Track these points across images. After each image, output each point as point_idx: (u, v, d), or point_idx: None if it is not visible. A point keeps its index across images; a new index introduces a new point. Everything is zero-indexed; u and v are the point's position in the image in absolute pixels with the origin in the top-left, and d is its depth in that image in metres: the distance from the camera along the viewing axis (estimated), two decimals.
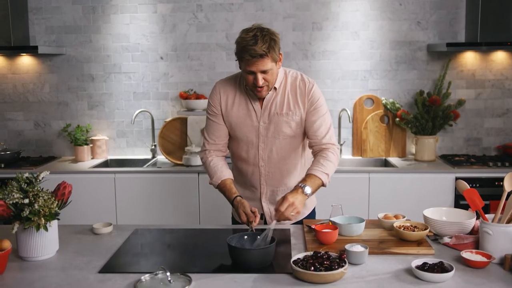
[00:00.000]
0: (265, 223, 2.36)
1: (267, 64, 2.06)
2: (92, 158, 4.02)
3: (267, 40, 2.03)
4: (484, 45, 3.62)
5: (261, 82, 2.09)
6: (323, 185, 2.14)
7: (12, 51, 3.88)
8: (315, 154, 2.25)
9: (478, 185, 3.45)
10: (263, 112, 2.23)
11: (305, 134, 2.28)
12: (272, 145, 2.25)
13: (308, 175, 2.13)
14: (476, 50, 3.87)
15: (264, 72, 2.08)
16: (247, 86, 2.18)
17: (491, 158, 3.84)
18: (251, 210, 2.11)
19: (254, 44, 2.01)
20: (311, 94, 2.21)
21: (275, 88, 2.21)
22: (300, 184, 2.07)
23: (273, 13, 3.95)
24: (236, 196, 2.19)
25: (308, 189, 2.06)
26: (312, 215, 2.46)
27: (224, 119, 2.28)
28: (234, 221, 2.50)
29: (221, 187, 2.26)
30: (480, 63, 3.95)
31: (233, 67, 3.98)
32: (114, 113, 4.11)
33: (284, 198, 2.01)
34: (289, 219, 2.03)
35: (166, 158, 3.89)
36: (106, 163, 4.01)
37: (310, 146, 2.27)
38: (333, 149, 2.21)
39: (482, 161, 3.69)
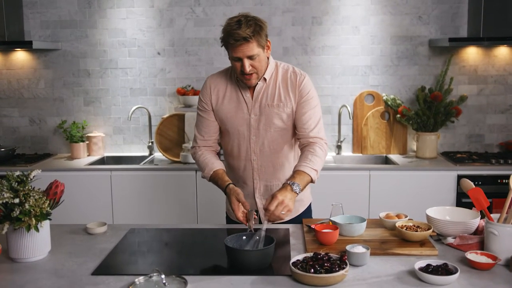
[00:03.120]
0: (260, 219, 2.31)
1: (253, 49, 2.03)
2: (88, 155, 3.96)
3: (252, 25, 2.02)
4: (487, 40, 3.56)
5: (248, 68, 2.06)
6: (312, 181, 2.09)
7: (7, 46, 3.82)
8: (302, 147, 2.20)
9: (480, 182, 3.39)
10: (254, 103, 2.19)
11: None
12: (264, 137, 2.21)
13: (296, 172, 2.07)
14: (479, 45, 3.81)
15: (250, 58, 2.05)
16: (237, 75, 2.15)
17: (494, 155, 3.78)
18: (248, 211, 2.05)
19: (238, 28, 2.00)
20: (302, 85, 2.18)
21: (264, 79, 2.18)
22: (288, 182, 2.01)
23: (272, 7, 3.89)
24: (229, 184, 2.14)
25: (297, 187, 2.00)
26: (308, 211, 2.41)
27: (215, 114, 2.25)
28: (229, 220, 2.45)
29: (214, 178, 2.22)
30: (483, 59, 3.89)
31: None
32: (110, 110, 4.05)
33: (273, 197, 1.95)
34: (280, 219, 1.97)
35: (163, 155, 3.83)
36: (102, 160, 3.95)
37: (298, 139, 2.23)
38: (320, 144, 2.16)
39: (484, 158, 3.63)
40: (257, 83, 2.17)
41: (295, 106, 2.18)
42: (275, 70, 2.21)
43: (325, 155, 2.17)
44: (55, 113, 4.07)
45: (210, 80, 2.27)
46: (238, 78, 2.16)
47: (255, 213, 2.10)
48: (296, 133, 2.23)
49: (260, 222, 2.30)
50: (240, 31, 1.99)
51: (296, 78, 2.19)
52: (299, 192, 2.01)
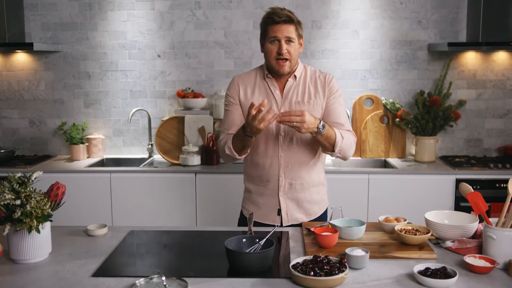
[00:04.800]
0: (282, 220, 2.30)
1: (292, 31, 2.16)
2: (88, 157, 3.97)
3: (294, 13, 2.20)
4: (485, 45, 3.58)
5: (284, 50, 2.15)
6: (334, 142, 2.13)
7: (7, 48, 3.83)
8: None
9: (478, 187, 3.41)
10: (284, 100, 2.25)
11: None
12: (293, 134, 2.24)
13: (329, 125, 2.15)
14: (478, 50, 3.83)
15: (288, 40, 2.15)
16: (270, 62, 2.20)
17: (492, 159, 3.80)
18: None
19: (282, 10, 2.17)
20: (331, 83, 2.28)
21: (295, 76, 2.25)
22: (319, 118, 2.12)
23: None
24: None
25: (322, 126, 2.07)
26: (323, 216, 2.41)
27: (243, 110, 2.28)
28: (242, 219, 2.41)
29: (234, 136, 2.19)
30: (481, 63, 3.91)
31: (232, 66, 3.93)
32: (110, 112, 4.06)
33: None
34: (291, 122, 2.01)
35: (163, 157, 3.84)
36: (102, 162, 3.96)
37: None
38: (353, 134, 2.27)
39: (482, 163, 3.65)
40: (288, 80, 2.24)
41: (324, 103, 2.26)
42: (304, 70, 2.31)
43: (354, 143, 2.25)
44: (55, 115, 4.08)
45: (238, 78, 2.34)
46: (270, 65, 2.21)
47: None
48: None
49: (282, 224, 2.30)
50: (284, 11, 2.16)
51: (325, 77, 2.29)
52: (322, 131, 2.07)
